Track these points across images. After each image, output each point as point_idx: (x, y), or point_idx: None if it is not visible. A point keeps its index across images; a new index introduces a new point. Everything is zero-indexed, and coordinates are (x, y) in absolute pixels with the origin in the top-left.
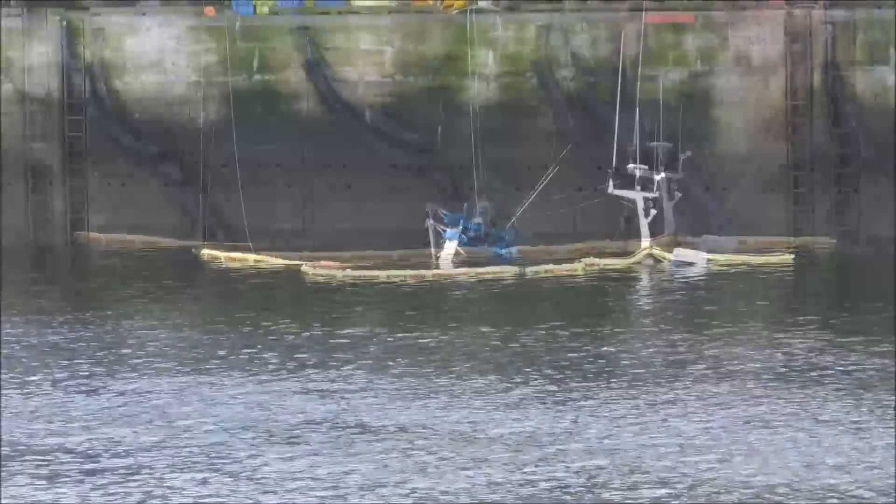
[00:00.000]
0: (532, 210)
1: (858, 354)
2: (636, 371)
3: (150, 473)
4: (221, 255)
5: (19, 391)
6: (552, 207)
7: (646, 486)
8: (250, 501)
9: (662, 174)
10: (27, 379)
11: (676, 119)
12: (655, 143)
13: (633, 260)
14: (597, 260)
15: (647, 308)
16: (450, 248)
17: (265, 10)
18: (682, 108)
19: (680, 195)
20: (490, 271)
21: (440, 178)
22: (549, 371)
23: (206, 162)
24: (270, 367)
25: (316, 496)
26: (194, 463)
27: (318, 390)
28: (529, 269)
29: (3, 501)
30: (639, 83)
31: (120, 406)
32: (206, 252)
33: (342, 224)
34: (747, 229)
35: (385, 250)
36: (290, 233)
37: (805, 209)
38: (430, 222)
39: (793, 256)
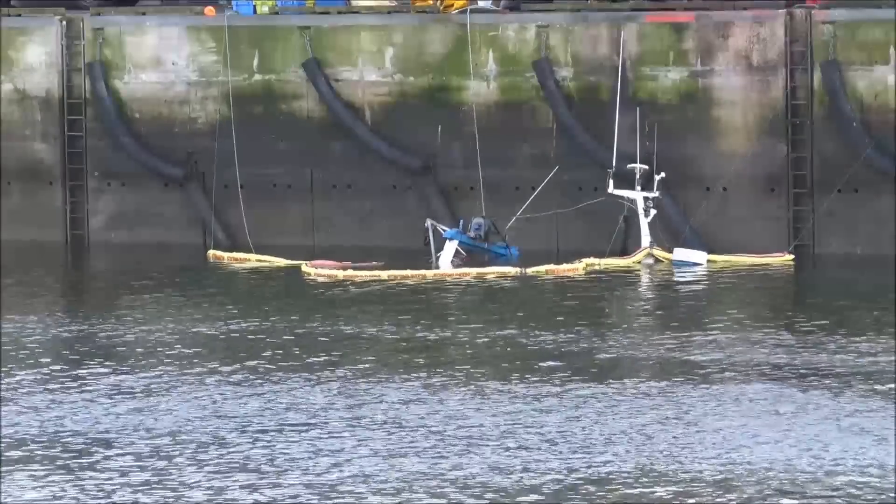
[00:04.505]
0: (526, 223)
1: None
2: (635, 370)
3: (151, 471)
4: (225, 255)
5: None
6: (548, 219)
7: (645, 484)
8: (249, 496)
9: (640, 193)
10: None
11: (667, 128)
12: (634, 164)
13: (633, 259)
14: (597, 260)
15: (647, 307)
16: (450, 248)
17: (265, 10)
18: (656, 132)
19: (655, 212)
20: (490, 272)
21: (440, 178)
22: (548, 370)
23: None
24: (270, 364)
25: (314, 492)
26: (195, 460)
27: (318, 387)
28: (530, 269)
29: (2, 500)
30: (617, 115)
31: (124, 401)
32: (212, 253)
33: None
34: (741, 233)
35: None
36: (298, 232)
37: (805, 209)
38: (429, 222)
39: (793, 257)
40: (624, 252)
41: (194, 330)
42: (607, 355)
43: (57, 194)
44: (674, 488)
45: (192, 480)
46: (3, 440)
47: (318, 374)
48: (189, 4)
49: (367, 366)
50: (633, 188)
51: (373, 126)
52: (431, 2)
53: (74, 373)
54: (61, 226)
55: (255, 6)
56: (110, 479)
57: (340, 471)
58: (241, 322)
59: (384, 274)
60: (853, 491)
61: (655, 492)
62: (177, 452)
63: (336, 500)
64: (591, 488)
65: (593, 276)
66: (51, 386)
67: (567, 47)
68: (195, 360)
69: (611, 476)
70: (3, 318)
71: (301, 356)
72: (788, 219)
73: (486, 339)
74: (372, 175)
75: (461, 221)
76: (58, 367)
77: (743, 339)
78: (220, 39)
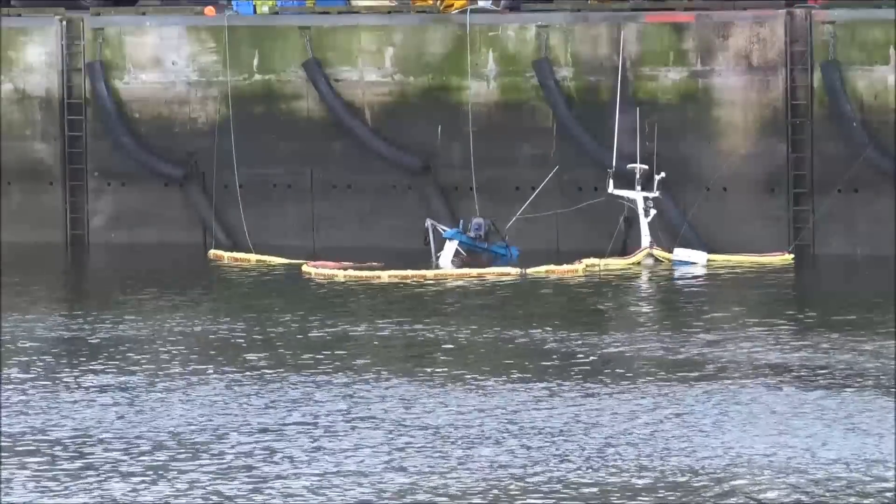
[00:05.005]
0: (526, 223)
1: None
2: (635, 370)
3: (152, 471)
4: (225, 254)
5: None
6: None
7: (644, 483)
8: (249, 496)
9: (640, 193)
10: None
11: (668, 127)
12: (634, 164)
13: (633, 260)
14: (597, 260)
15: (647, 307)
16: (450, 248)
17: (265, 10)
18: (656, 132)
19: (655, 212)
20: (490, 272)
21: (440, 178)
22: (548, 370)
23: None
24: (270, 364)
25: (315, 491)
26: (195, 460)
27: (318, 387)
28: (530, 269)
29: (2, 500)
30: (617, 115)
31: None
32: (212, 252)
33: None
34: (741, 234)
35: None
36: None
37: (805, 209)
38: (429, 222)
39: (793, 256)
40: (624, 252)
41: (194, 330)
42: (607, 355)
43: (57, 194)
44: (673, 487)
45: (192, 480)
46: (2, 440)
47: (318, 373)
48: (189, 4)
49: (366, 365)
50: (633, 188)
51: (373, 126)
52: (431, 2)
53: (74, 373)
54: (61, 226)
55: (255, 6)
56: (110, 478)
57: (341, 470)
58: (241, 322)
59: (384, 274)
60: (853, 490)
61: (655, 491)
62: (176, 452)
63: (336, 500)
64: (591, 487)
65: (593, 276)
66: (51, 385)
67: (567, 47)
68: (195, 360)
69: (611, 475)
70: (3, 317)
71: (301, 356)
72: (788, 219)
73: (486, 339)
74: (372, 175)
75: (461, 221)
76: (58, 367)
77: (742, 339)
78: (220, 39)
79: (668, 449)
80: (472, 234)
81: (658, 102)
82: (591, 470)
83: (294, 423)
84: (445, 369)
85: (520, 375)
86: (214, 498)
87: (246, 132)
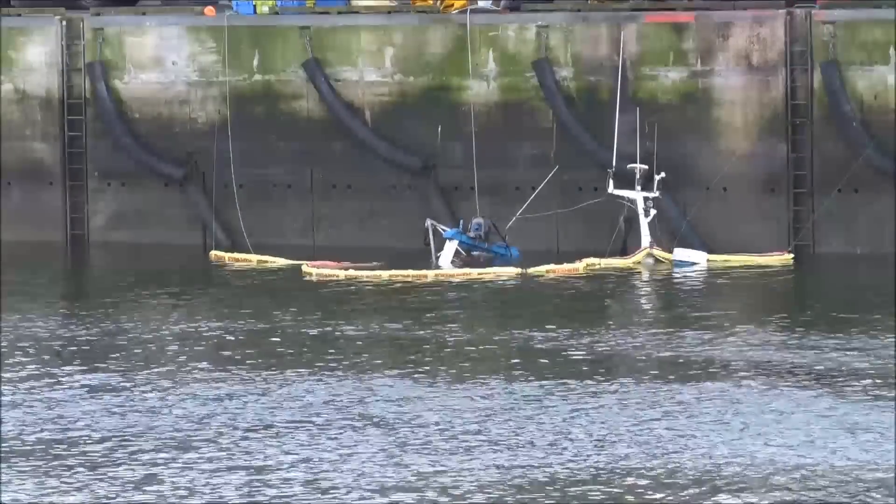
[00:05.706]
0: (526, 223)
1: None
2: (635, 370)
3: (154, 469)
4: (226, 255)
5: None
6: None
7: (644, 483)
8: (252, 494)
9: (640, 193)
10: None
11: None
12: (634, 164)
13: (633, 260)
14: (597, 260)
15: (647, 307)
16: (450, 248)
17: (265, 10)
18: (656, 132)
19: (655, 212)
20: (491, 271)
21: (440, 178)
22: (548, 370)
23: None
24: (270, 364)
25: (314, 491)
26: (195, 459)
27: (318, 387)
28: (530, 269)
29: (3, 500)
30: (617, 115)
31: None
32: (213, 253)
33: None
34: (740, 233)
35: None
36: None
37: (805, 209)
38: (429, 222)
39: (793, 256)
40: (624, 252)
41: (194, 330)
42: (607, 355)
43: (57, 194)
44: (671, 486)
45: (191, 479)
46: (3, 439)
47: (317, 373)
48: (189, 4)
49: (366, 365)
50: (633, 188)
51: (373, 126)
52: (431, 2)
53: (74, 372)
54: (61, 226)
55: (255, 6)
56: (110, 478)
57: (340, 470)
58: (242, 322)
59: (384, 274)
60: (852, 490)
61: (654, 490)
62: (176, 451)
63: (336, 500)
64: (590, 486)
65: (593, 276)
66: (51, 385)
67: (567, 47)
68: (195, 360)
69: (610, 474)
70: (3, 317)
71: (301, 356)
72: (788, 219)
73: (486, 339)
74: (372, 175)
75: (461, 221)
76: (58, 367)
77: (742, 339)
78: (220, 39)
79: (667, 448)
80: (472, 234)
81: (658, 102)
82: (590, 468)
83: (293, 423)
84: (445, 369)
85: (520, 375)
86: (213, 497)
87: (246, 132)
